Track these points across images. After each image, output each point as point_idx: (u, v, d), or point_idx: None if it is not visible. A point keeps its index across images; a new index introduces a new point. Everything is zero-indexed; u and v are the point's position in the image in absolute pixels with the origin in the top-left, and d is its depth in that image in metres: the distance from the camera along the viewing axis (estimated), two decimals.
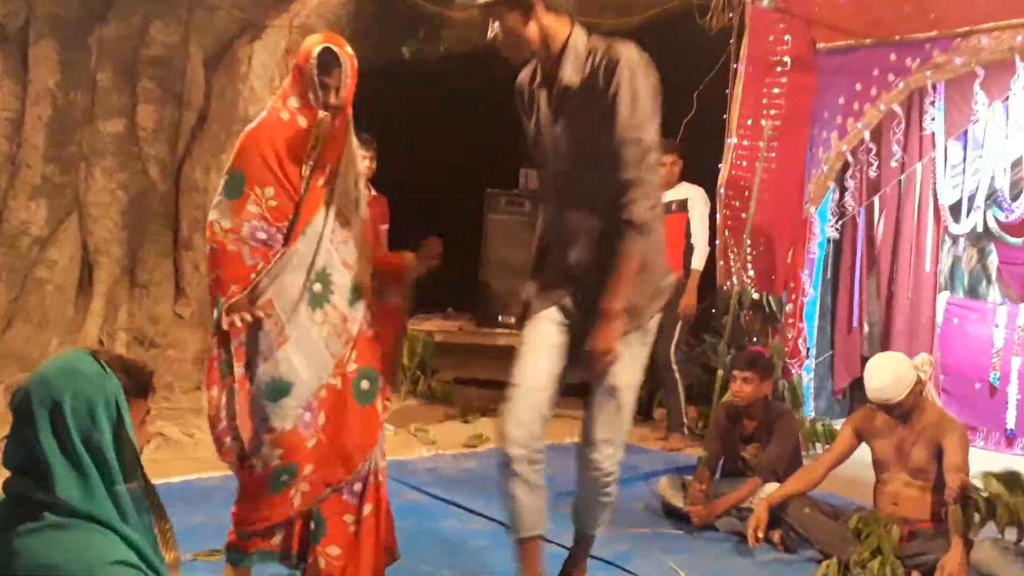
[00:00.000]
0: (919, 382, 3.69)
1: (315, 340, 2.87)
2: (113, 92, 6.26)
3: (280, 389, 2.82)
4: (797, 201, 5.92)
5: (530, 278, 2.92)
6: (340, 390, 2.91)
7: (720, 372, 4.96)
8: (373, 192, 5.63)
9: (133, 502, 1.75)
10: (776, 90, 5.99)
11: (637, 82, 2.54)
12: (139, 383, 1.93)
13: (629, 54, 2.56)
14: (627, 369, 2.69)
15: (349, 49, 2.91)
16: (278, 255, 2.84)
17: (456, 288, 7.93)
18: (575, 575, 3.00)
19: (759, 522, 3.68)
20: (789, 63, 5.98)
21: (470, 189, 7.61)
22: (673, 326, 5.60)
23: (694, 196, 5.74)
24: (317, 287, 2.87)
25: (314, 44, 2.90)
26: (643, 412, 6.23)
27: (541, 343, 2.74)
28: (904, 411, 3.65)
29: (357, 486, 2.94)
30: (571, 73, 2.61)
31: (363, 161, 5.48)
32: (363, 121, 5.90)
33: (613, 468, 2.78)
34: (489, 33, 2.64)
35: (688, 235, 5.79)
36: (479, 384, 7.00)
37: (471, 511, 4.23)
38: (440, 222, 8.66)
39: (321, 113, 2.86)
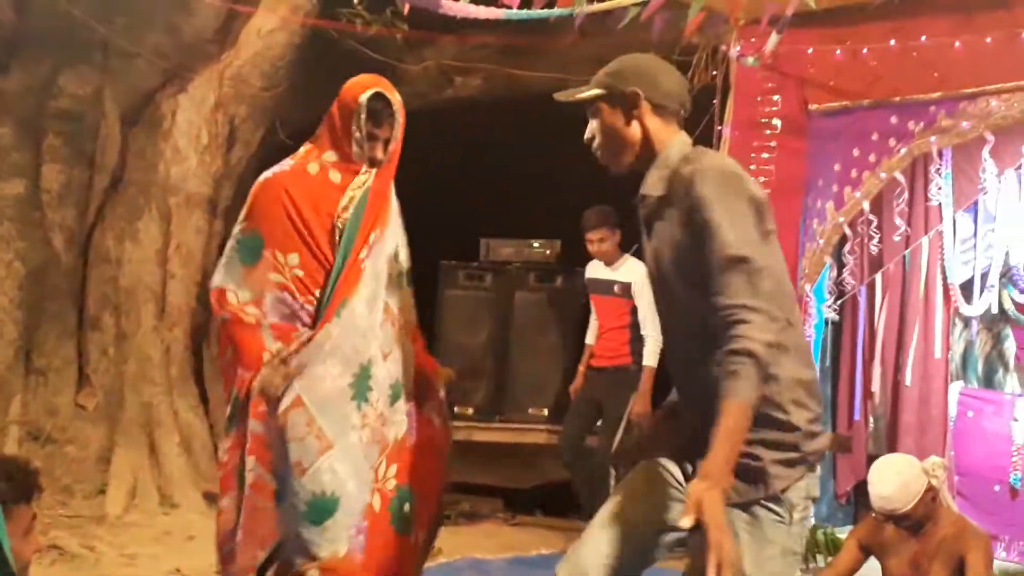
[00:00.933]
0: (930, 489, 3.60)
1: (355, 446, 2.70)
2: (14, 150, 6.13)
3: (325, 507, 2.62)
4: (790, 278, 5.90)
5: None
6: (378, 513, 2.71)
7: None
8: None
9: None
10: (765, 155, 6.02)
11: (723, 192, 2.26)
12: (20, 487, 1.87)
13: (711, 162, 2.37)
14: (753, 560, 2.13)
15: (398, 96, 2.85)
16: (306, 339, 2.67)
17: None
18: None
19: None
20: (779, 126, 6.02)
21: (424, 261, 7.52)
22: (615, 428, 5.56)
23: (640, 278, 5.52)
24: (355, 382, 2.71)
25: (361, 88, 2.81)
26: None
27: (642, 488, 2.36)
28: (915, 522, 3.57)
29: None
30: (653, 183, 2.42)
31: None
32: None
33: None
34: (587, 134, 2.51)
35: (634, 324, 5.77)
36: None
37: None
38: None
39: (364, 170, 2.76)
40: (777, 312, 2.19)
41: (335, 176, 2.78)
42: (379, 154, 2.80)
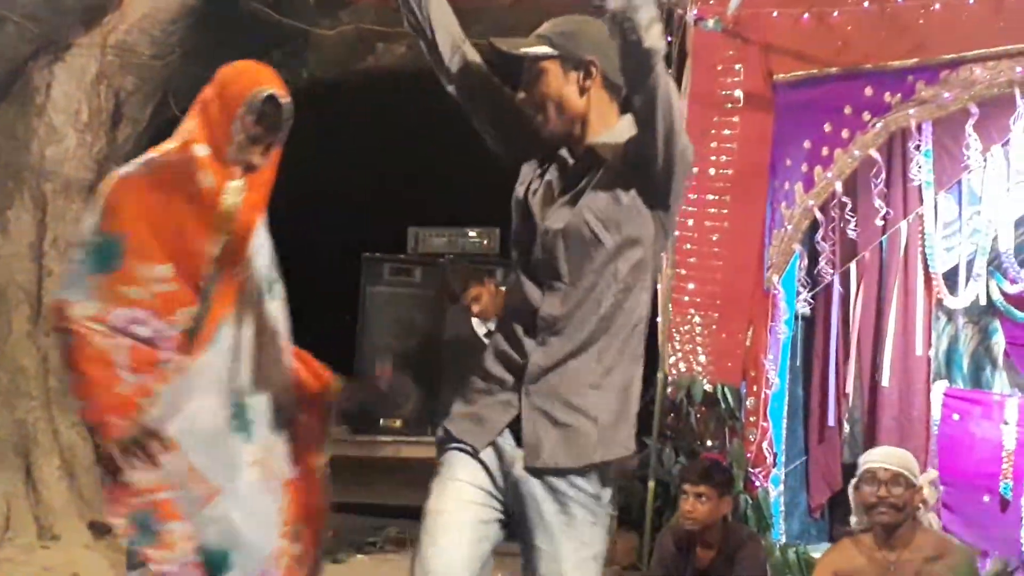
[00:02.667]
0: (920, 492, 3.76)
1: (253, 486, 2.70)
2: None
3: (217, 564, 2.61)
4: (757, 268, 5.99)
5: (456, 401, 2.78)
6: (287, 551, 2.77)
7: (652, 485, 4.90)
8: None
9: None
10: (727, 132, 6.10)
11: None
12: None
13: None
14: (569, 550, 2.48)
15: (290, 99, 2.82)
16: (175, 369, 2.63)
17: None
18: None
19: None
20: (741, 99, 6.11)
21: (344, 254, 7.56)
22: None
23: None
24: (237, 412, 2.72)
25: (253, 83, 2.78)
26: None
27: (454, 517, 2.55)
28: (895, 513, 3.68)
29: None
30: (603, 144, 2.63)
31: None
32: None
33: None
34: (521, 94, 2.63)
35: None
36: (354, 510, 6.86)
37: None
38: (303, 295, 8.61)
39: (238, 173, 2.74)
40: None
41: (208, 179, 2.73)
42: (257, 159, 2.79)
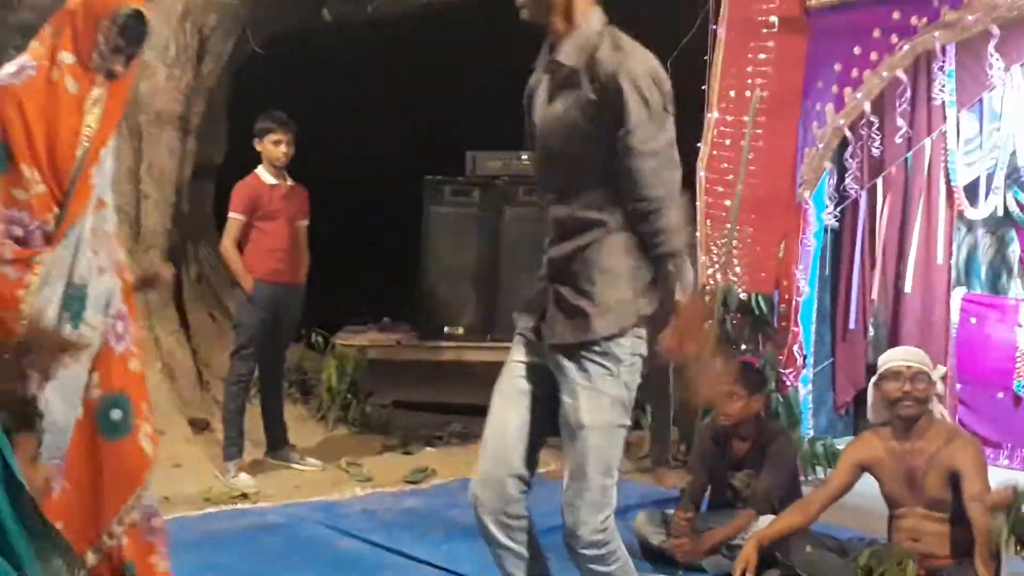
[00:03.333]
0: (934, 386, 3.77)
1: (71, 370, 2.67)
2: None
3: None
4: (789, 185, 5.95)
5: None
6: (83, 423, 2.73)
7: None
8: (290, 182, 5.61)
9: (36, 555, 1.76)
10: (762, 56, 6.02)
11: (646, 93, 2.57)
12: (20, 417, 1.98)
13: (636, 63, 2.60)
14: (591, 405, 2.63)
15: (151, 15, 2.80)
16: (40, 265, 2.64)
17: (393, 295, 7.91)
18: None
19: (748, 563, 3.69)
20: (776, 24, 6.01)
21: (407, 178, 7.56)
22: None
23: None
24: (74, 303, 2.71)
25: (119, 2, 2.72)
26: None
27: (510, 388, 2.76)
28: (918, 406, 3.70)
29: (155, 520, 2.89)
30: (568, 54, 2.64)
31: (280, 146, 5.47)
32: (278, 97, 5.91)
33: (592, 537, 2.67)
34: None
35: None
36: (423, 408, 6.98)
37: (416, 559, 4.20)
38: (372, 216, 8.67)
39: (100, 81, 2.70)
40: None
41: (72, 85, 2.68)
42: (119, 69, 2.75)
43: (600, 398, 2.62)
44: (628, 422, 2.72)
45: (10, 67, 2.71)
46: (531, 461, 2.75)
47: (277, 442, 5.72)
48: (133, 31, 2.73)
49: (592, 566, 2.70)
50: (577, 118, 2.63)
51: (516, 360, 2.76)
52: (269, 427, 5.72)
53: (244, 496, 5.05)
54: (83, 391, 2.72)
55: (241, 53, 6.98)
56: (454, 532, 4.57)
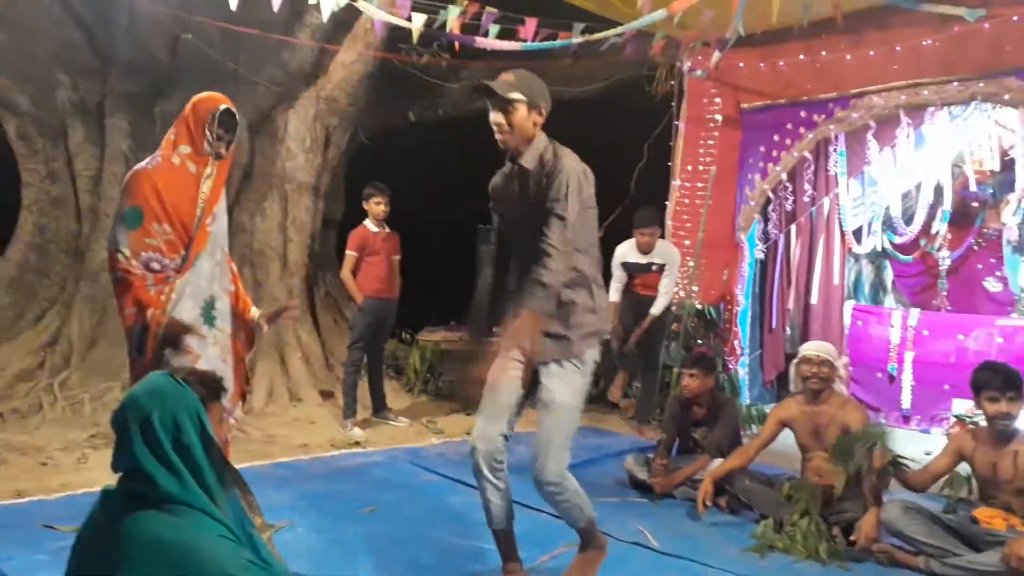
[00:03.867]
0: (836, 370, 3.70)
1: (213, 358, 2.71)
2: None
3: None
4: (730, 230, 5.93)
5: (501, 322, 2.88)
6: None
7: (674, 370, 4.90)
8: (387, 230, 5.63)
9: (222, 487, 1.76)
10: (710, 142, 6.03)
11: (573, 181, 2.59)
12: (211, 389, 1.96)
13: (571, 160, 2.62)
14: (562, 390, 2.65)
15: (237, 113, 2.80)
16: (175, 283, 2.67)
17: (457, 306, 7.93)
18: (585, 558, 2.90)
19: (706, 492, 3.66)
20: (720, 120, 6.01)
21: (467, 226, 7.59)
22: (655, 347, 5.46)
23: (671, 260, 5.39)
24: (208, 310, 2.72)
25: (214, 103, 2.74)
26: (606, 402, 6.18)
27: (502, 375, 2.74)
28: (822, 382, 3.63)
29: None
30: (528, 160, 2.66)
31: (380, 205, 5.50)
32: (378, 172, 5.96)
33: (554, 479, 2.65)
34: (495, 118, 2.62)
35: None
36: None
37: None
38: (443, 252, 8.71)
39: (211, 162, 2.70)
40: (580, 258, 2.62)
41: (192, 167, 2.67)
42: (223, 151, 2.76)
43: (567, 385, 2.66)
44: (582, 405, 2.73)
45: (147, 160, 2.73)
46: (512, 424, 2.73)
47: (379, 406, 5.72)
48: (228, 123, 2.74)
49: (553, 497, 2.70)
50: (535, 201, 2.63)
51: (507, 359, 2.73)
52: (374, 396, 5.71)
53: (357, 443, 5.04)
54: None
55: (354, 142, 7.04)
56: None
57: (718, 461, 3.91)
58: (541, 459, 2.64)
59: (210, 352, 2.70)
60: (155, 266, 2.65)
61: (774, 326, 6.17)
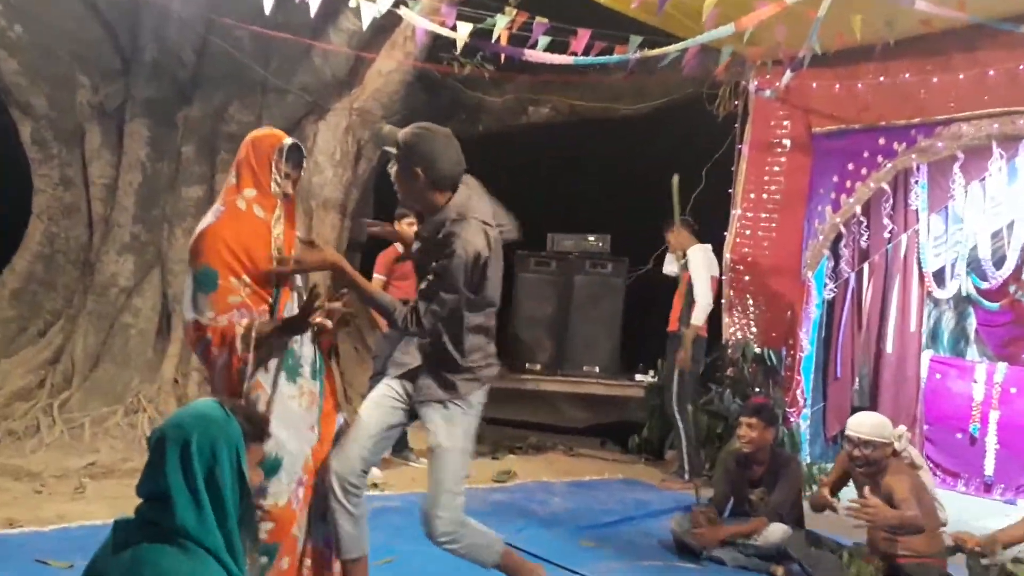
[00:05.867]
0: (891, 445, 3.58)
1: (296, 412, 2.65)
2: (195, 163, 6.31)
3: (271, 466, 2.56)
4: (796, 266, 5.85)
5: (396, 354, 2.97)
6: (311, 467, 2.70)
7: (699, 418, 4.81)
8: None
9: (243, 536, 1.77)
10: (776, 168, 5.97)
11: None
12: (257, 429, 1.96)
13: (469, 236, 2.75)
14: (446, 432, 2.75)
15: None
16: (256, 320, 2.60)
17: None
18: None
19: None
20: (788, 145, 5.96)
21: (504, 251, 7.59)
22: (670, 377, 5.51)
23: (693, 257, 5.55)
24: (290, 362, 2.66)
25: (278, 138, 2.72)
26: (656, 454, 6.12)
27: (376, 400, 2.85)
28: (872, 464, 3.54)
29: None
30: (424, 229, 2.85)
31: (412, 227, 5.53)
32: None
33: (446, 529, 2.75)
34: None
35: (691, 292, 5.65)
36: (508, 424, 6.92)
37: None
38: None
39: (279, 204, 2.67)
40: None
41: (259, 212, 2.63)
42: (290, 190, 2.73)
43: (453, 429, 2.78)
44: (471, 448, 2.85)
45: (209, 213, 2.71)
46: (376, 451, 2.84)
47: (400, 445, 5.70)
48: (296, 159, 2.73)
49: (449, 548, 2.80)
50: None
51: (386, 388, 2.85)
52: None
53: (375, 485, 5.02)
54: (309, 429, 2.69)
55: (386, 157, 7.10)
56: (532, 521, 4.52)
57: (776, 527, 3.82)
58: (429, 510, 2.75)
59: (292, 407, 2.65)
60: (245, 320, 2.59)
61: (839, 375, 6.04)
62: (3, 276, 6.40)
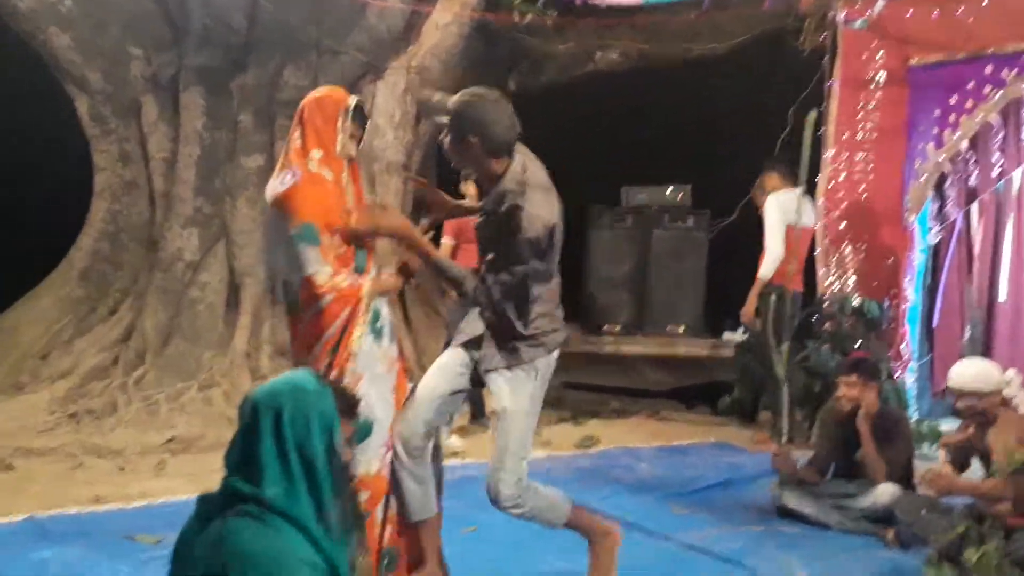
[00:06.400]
0: (999, 393, 3.47)
1: (382, 376, 2.71)
2: (253, 131, 6.44)
3: (363, 430, 2.61)
4: (896, 210, 5.69)
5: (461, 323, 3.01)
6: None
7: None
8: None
9: (337, 512, 1.79)
10: (871, 105, 5.78)
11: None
12: (349, 405, 2.03)
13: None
14: (511, 396, 2.81)
15: None
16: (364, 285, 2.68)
17: (564, 299, 7.89)
18: (596, 552, 3.02)
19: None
20: (883, 79, 5.77)
21: (572, 207, 7.55)
22: (765, 334, 5.48)
23: (768, 204, 5.52)
24: (376, 324, 2.71)
25: (342, 97, 2.74)
26: (748, 416, 6.08)
27: (440, 365, 2.92)
28: (976, 416, 3.45)
29: None
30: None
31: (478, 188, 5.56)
32: None
33: (510, 493, 2.81)
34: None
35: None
36: (588, 389, 6.94)
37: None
38: None
39: (345, 166, 2.71)
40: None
41: (327, 174, 2.66)
42: (354, 151, 2.75)
43: (518, 392, 2.81)
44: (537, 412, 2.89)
45: (286, 177, 2.70)
46: (442, 414, 2.87)
47: (479, 412, 5.79)
48: (361, 117, 2.76)
49: (515, 512, 2.86)
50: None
51: (450, 354, 2.91)
52: (473, 400, 5.78)
53: (455, 454, 5.10)
54: (390, 393, 2.76)
55: (439, 128, 7.10)
56: (618, 488, 4.55)
57: (888, 486, 3.77)
58: (494, 475, 2.81)
59: (378, 371, 2.73)
60: (344, 274, 2.66)
61: (946, 325, 5.84)
62: (70, 256, 6.69)
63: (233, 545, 1.70)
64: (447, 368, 2.90)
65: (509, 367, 2.80)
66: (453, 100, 2.80)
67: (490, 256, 2.81)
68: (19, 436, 5.22)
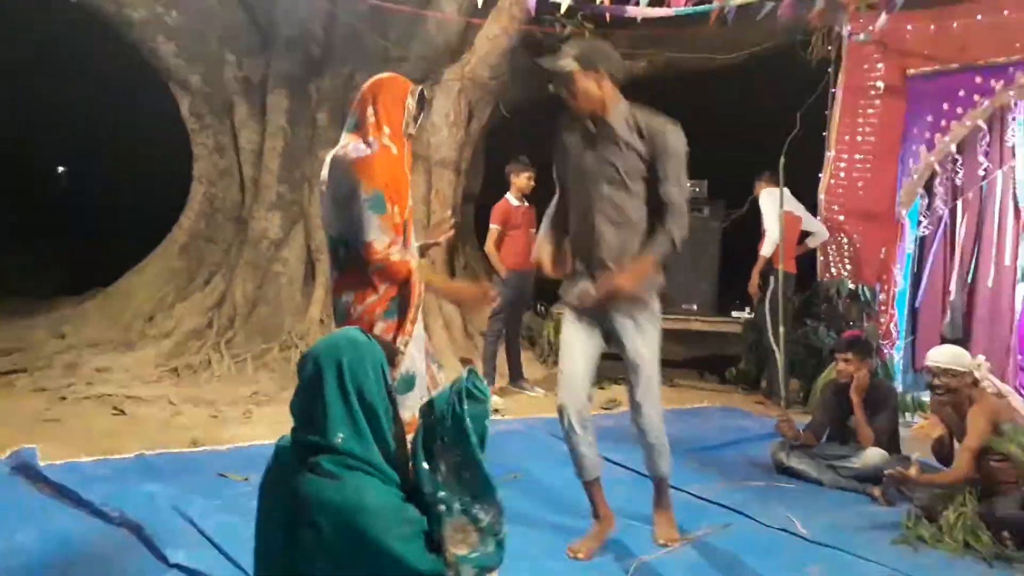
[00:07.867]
0: (971, 374, 3.36)
1: (420, 335, 2.64)
2: (329, 128, 6.46)
3: (408, 382, 2.54)
4: (890, 206, 5.56)
5: (566, 279, 3.01)
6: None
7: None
8: (526, 204, 5.67)
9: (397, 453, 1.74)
10: (871, 111, 5.64)
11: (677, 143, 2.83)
12: (391, 355, 2.02)
13: (670, 126, 2.84)
14: (644, 344, 2.86)
15: None
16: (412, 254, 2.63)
17: None
18: (661, 508, 3.15)
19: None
20: (882, 88, 5.61)
21: None
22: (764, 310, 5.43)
23: (762, 199, 5.63)
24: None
25: (408, 83, 2.68)
26: (752, 384, 6.02)
27: (573, 338, 2.94)
28: (947, 393, 3.36)
29: None
30: (615, 120, 2.84)
31: (530, 180, 5.52)
32: (522, 146, 5.99)
33: (656, 426, 2.93)
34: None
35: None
36: (612, 358, 6.88)
37: (610, 460, 4.12)
38: None
39: (406, 143, 2.64)
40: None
41: (394, 149, 2.58)
42: (414, 132, 2.69)
43: (646, 337, 2.90)
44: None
45: (360, 147, 2.60)
46: (593, 379, 2.97)
47: (516, 375, 5.81)
48: (424, 102, 2.74)
49: (659, 443, 2.99)
50: (630, 164, 2.80)
51: (573, 323, 2.94)
52: (511, 365, 5.81)
53: (496, 411, 5.12)
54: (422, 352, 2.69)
55: (496, 116, 7.09)
56: (636, 444, 4.53)
57: (874, 451, 3.72)
58: (648, 411, 2.89)
59: (419, 330, 2.65)
60: (397, 243, 2.58)
61: (928, 308, 5.71)
62: (172, 233, 6.81)
63: (314, 499, 1.64)
64: (584, 337, 2.90)
65: (634, 318, 2.86)
66: (576, 46, 2.86)
67: (664, 183, 2.80)
68: (130, 386, 5.35)
